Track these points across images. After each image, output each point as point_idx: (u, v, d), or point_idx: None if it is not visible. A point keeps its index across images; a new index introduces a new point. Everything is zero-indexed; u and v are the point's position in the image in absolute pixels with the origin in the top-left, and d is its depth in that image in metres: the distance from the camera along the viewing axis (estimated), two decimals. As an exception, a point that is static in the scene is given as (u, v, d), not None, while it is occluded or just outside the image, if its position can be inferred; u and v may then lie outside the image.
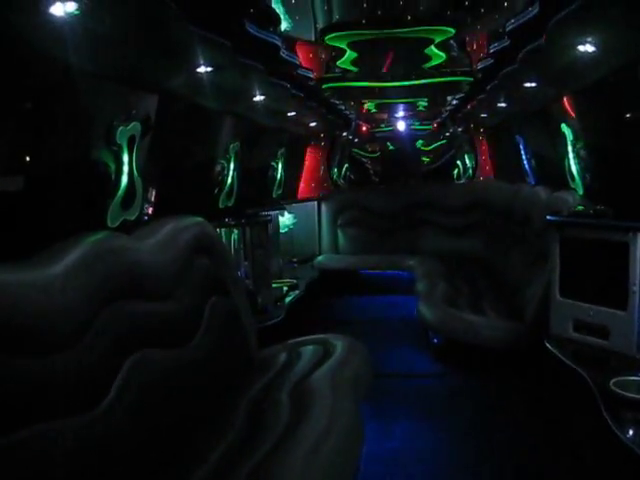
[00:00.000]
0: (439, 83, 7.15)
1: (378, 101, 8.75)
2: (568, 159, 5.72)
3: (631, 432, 3.05)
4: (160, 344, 3.04)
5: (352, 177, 11.38)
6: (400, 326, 7.52)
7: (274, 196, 8.52)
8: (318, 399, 3.33)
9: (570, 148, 5.60)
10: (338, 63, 6.91)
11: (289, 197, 9.42)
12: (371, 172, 11.71)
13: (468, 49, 6.97)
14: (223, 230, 5.83)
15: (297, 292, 7.27)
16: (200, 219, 4.32)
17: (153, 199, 4.45)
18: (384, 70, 7.04)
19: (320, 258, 9.84)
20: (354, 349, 4.32)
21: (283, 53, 5.10)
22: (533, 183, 7.71)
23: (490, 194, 9.36)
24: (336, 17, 6.37)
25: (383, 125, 10.96)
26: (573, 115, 5.32)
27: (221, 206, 6.11)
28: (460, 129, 10.57)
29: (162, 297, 3.26)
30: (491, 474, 4.06)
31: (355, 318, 8.21)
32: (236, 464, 2.74)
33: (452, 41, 6.51)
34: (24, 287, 2.23)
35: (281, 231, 8.93)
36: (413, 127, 10.97)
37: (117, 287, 2.84)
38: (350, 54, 6.62)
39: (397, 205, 10.26)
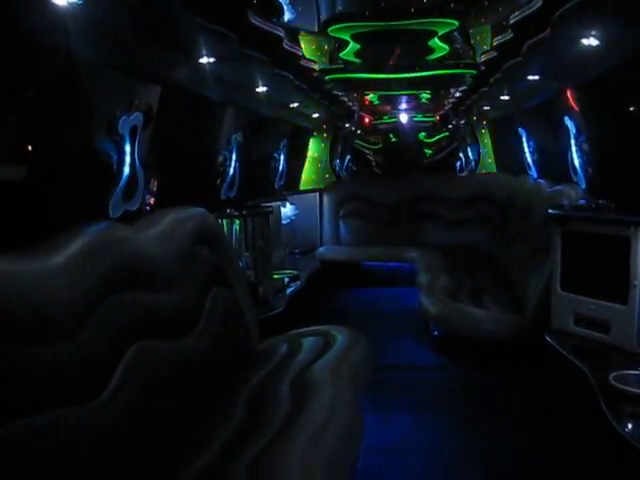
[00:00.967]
0: (442, 75, 7.12)
1: (381, 93, 8.73)
2: (571, 152, 5.71)
3: (630, 426, 3.06)
4: (161, 334, 3.04)
5: (354, 169, 11.37)
6: (401, 318, 7.52)
7: (276, 187, 8.51)
8: (318, 390, 3.34)
9: (573, 141, 5.59)
10: (341, 55, 6.89)
11: (291, 188, 9.42)
12: (373, 164, 11.67)
13: (472, 42, 6.96)
14: (225, 221, 5.83)
15: (298, 283, 7.28)
16: (202, 210, 4.33)
17: (155, 190, 4.45)
18: (388, 62, 7.01)
19: (321, 249, 9.83)
20: (355, 341, 4.32)
21: (286, 44, 5.08)
22: (535, 176, 7.71)
23: (492, 187, 9.37)
24: (339, 8, 6.34)
25: (386, 117, 10.93)
26: (576, 108, 5.31)
27: (223, 197, 6.10)
28: (463, 122, 10.54)
29: (163, 288, 3.26)
30: (491, 467, 4.07)
31: (356, 310, 8.22)
32: (237, 453, 2.75)
33: (456, 33, 6.49)
34: (26, 277, 2.23)
35: (283, 222, 8.94)
36: (416, 119, 10.94)
37: (119, 277, 2.85)
38: (353, 46, 6.60)
39: (399, 197, 10.26)
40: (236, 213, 6.09)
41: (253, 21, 4.18)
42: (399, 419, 4.78)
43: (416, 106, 10.03)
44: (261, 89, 5.47)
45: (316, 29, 6.58)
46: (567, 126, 5.62)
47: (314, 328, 4.69)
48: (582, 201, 5.08)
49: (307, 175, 10.53)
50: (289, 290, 6.92)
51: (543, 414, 4.74)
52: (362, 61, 7.05)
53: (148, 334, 2.92)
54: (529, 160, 7.77)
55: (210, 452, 2.81)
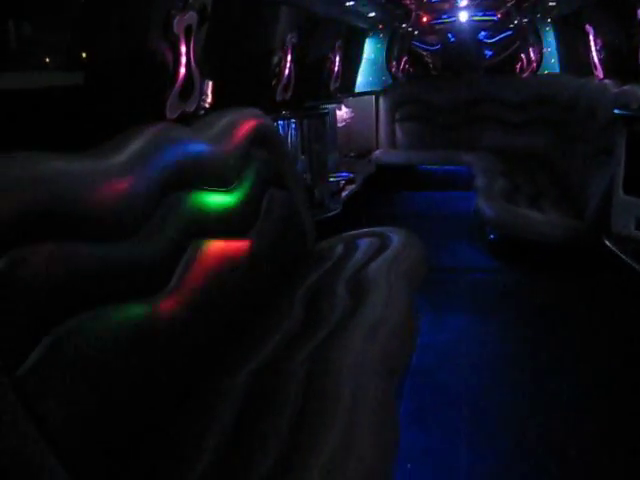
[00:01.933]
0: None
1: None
2: (641, 50, 5.45)
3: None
4: (220, 233, 3.11)
5: (411, 70, 11.10)
6: (457, 221, 7.50)
7: (331, 89, 8.39)
8: (374, 289, 3.38)
9: (644, 37, 5.33)
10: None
11: (347, 91, 9.27)
12: (431, 65, 11.36)
13: None
14: (280, 123, 5.81)
15: (354, 186, 7.28)
16: (258, 111, 4.31)
17: (210, 91, 4.45)
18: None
19: (377, 153, 9.75)
20: (410, 242, 4.32)
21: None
22: (601, 77, 7.40)
23: (555, 88, 9.04)
24: None
25: (445, 16, 10.56)
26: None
27: (278, 99, 6.06)
28: (526, 20, 10.11)
29: (222, 187, 3.31)
30: (540, 370, 4.10)
31: (412, 213, 8.22)
32: (294, 349, 2.83)
33: None
34: (87, 175, 2.27)
35: (338, 125, 8.86)
36: (476, 18, 10.53)
37: (177, 177, 2.89)
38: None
39: (457, 99, 10.00)
40: (291, 115, 6.05)
41: None
42: (451, 320, 4.84)
43: (477, 3, 9.64)
44: (316, -14, 5.33)
45: None
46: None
47: (370, 229, 4.70)
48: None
49: (363, 77, 10.32)
50: (345, 193, 6.94)
51: (598, 318, 4.73)
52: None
53: (207, 232, 2.99)
54: (595, 60, 7.44)
55: (266, 348, 2.89)
